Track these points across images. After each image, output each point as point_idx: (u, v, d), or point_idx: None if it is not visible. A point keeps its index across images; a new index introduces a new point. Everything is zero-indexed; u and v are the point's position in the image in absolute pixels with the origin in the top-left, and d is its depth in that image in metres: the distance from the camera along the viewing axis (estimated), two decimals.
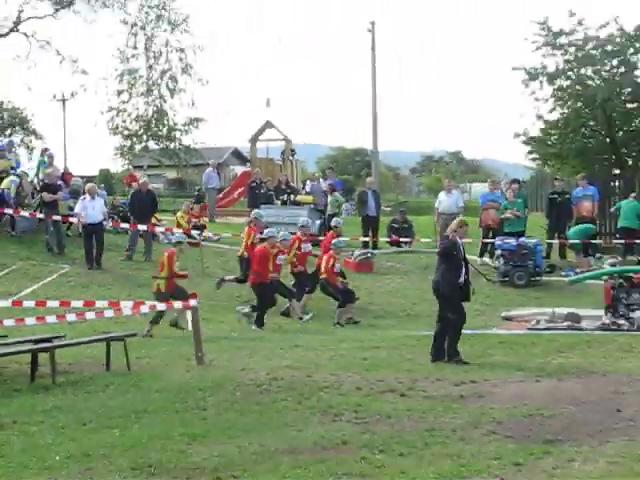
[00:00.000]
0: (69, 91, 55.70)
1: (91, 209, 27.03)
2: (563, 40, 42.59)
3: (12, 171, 31.41)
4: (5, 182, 29.52)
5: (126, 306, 17.33)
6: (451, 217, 30.56)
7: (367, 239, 31.18)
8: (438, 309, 17.36)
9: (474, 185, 75.06)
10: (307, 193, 37.77)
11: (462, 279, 16.86)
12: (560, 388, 13.98)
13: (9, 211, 28.53)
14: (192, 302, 16.73)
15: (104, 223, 27.89)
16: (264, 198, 35.40)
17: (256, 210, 26.58)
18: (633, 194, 32.38)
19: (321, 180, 37.83)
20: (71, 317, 16.35)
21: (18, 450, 10.71)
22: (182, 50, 51.80)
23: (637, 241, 29.86)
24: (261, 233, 24.00)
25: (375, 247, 31.03)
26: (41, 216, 28.10)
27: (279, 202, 36.01)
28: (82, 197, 28.25)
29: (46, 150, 35.43)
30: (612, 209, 32.91)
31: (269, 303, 22.44)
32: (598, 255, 28.91)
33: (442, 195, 31.99)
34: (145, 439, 11.03)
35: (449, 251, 16.75)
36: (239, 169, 60.50)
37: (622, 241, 30.14)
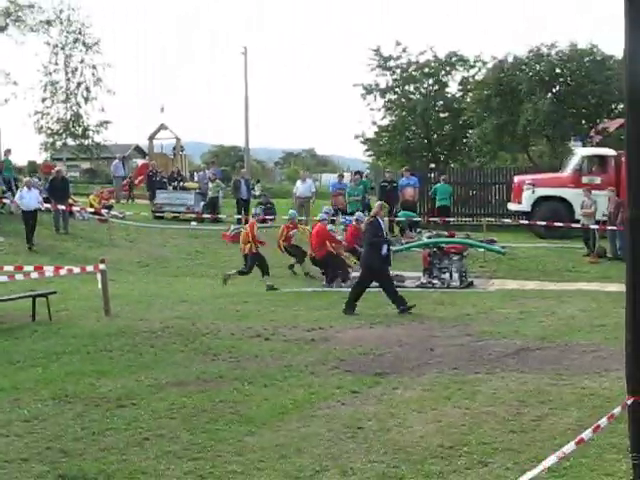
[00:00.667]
0: (3, 98, 54.26)
1: (28, 199, 26.32)
2: (392, 63, 43.59)
3: None
4: None
5: (48, 270, 17.00)
6: (305, 199, 30.74)
7: (240, 217, 30.99)
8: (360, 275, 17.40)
9: (324, 175, 75.15)
10: (196, 181, 37.68)
11: (385, 251, 16.65)
12: (388, 332, 14.17)
13: None
14: (101, 266, 16.44)
15: (41, 208, 27.09)
16: (159, 184, 35.07)
17: (291, 211, 25.77)
18: (443, 177, 33.18)
19: (206, 170, 37.69)
20: (3, 278, 15.97)
21: None
22: (94, 67, 50.71)
23: (447, 219, 30.47)
24: (294, 228, 23.33)
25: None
26: None
27: (171, 187, 35.68)
28: (20, 189, 27.47)
29: (9, 151, 34.42)
30: (430, 193, 33.29)
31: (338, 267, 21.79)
32: (418, 230, 29.28)
33: (299, 183, 32.04)
34: (63, 375, 10.92)
35: (376, 242, 16.53)
36: (140, 161, 59.34)
37: (436, 219, 30.64)
